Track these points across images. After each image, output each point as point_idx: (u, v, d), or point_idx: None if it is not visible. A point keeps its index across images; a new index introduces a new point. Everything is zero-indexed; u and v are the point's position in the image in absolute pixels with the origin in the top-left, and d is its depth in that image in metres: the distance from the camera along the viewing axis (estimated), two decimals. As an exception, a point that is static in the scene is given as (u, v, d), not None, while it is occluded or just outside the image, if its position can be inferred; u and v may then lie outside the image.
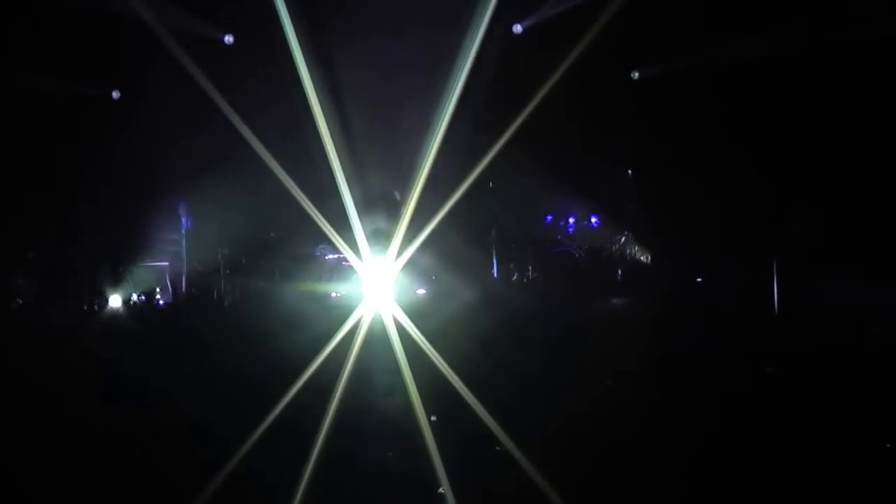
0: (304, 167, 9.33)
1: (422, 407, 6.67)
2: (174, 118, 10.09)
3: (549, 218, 12.73)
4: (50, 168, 10.27)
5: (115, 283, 11.46)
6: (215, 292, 11.88)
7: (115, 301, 11.33)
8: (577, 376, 7.84)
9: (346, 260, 9.87)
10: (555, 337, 8.92)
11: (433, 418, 6.56)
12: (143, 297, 11.80)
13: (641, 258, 12.19)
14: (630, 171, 11.89)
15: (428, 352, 7.72)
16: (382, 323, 8.56)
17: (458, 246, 10.62)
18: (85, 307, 11.24)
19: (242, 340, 8.85)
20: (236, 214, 10.87)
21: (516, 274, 12.22)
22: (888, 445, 5.98)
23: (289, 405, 6.86)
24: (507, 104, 9.47)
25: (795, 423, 6.34)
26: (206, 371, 7.90)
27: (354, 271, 9.93)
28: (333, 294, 11.23)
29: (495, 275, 12.04)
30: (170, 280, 11.92)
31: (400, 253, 9.49)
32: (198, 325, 10.17)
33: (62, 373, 7.90)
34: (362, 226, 9.26)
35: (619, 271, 12.31)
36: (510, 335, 8.66)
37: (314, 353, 7.62)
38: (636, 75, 10.55)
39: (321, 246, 11.37)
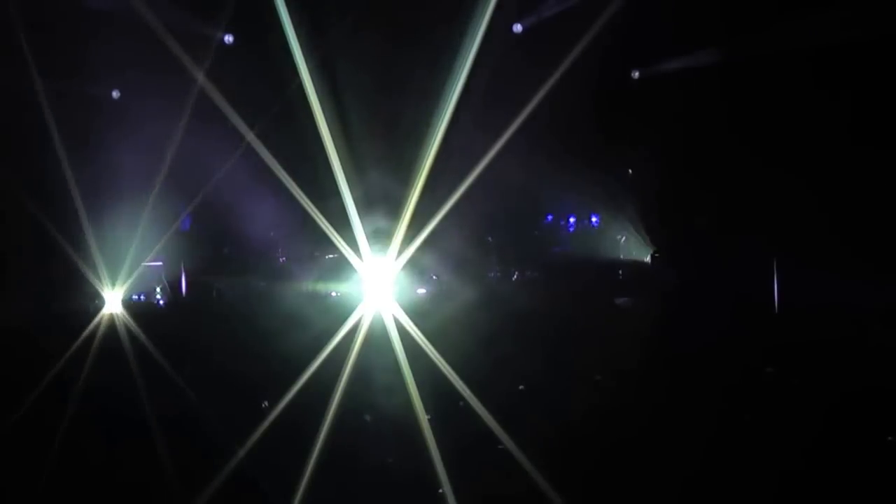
0: (304, 167, 9.33)
1: (422, 406, 6.68)
2: (175, 118, 10.09)
3: (550, 218, 12.72)
4: (49, 168, 10.26)
5: (115, 283, 11.44)
6: (215, 292, 11.87)
7: (114, 301, 11.31)
8: (578, 376, 7.84)
9: (346, 259, 9.85)
10: (555, 337, 8.92)
11: (432, 415, 6.58)
12: (142, 298, 11.79)
13: (642, 258, 12.18)
14: (630, 171, 11.87)
15: (428, 351, 7.72)
16: (383, 322, 8.56)
17: (458, 245, 10.62)
18: (84, 307, 11.22)
19: (242, 340, 8.85)
20: (237, 214, 10.87)
21: (516, 273, 12.21)
22: (890, 438, 6.00)
23: (289, 405, 6.87)
24: (508, 103, 9.46)
25: (795, 422, 6.34)
26: (206, 371, 7.89)
27: (354, 271, 9.91)
28: (333, 293, 11.22)
29: (495, 274, 12.03)
30: (170, 280, 11.90)
31: (400, 252, 9.49)
32: (197, 325, 10.17)
33: (61, 373, 7.89)
34: (363, 225, 9.26)
35: (620, 271, 12.29)
36: (510, 335, 8.66)
37: (315, 352, 7.62)
38: (636, 75, 10.55)
39: (322, 246, 11.35)
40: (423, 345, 7.86)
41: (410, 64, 9.82)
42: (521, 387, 7.68)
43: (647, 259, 12.13)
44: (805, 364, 7.70)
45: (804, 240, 9.30)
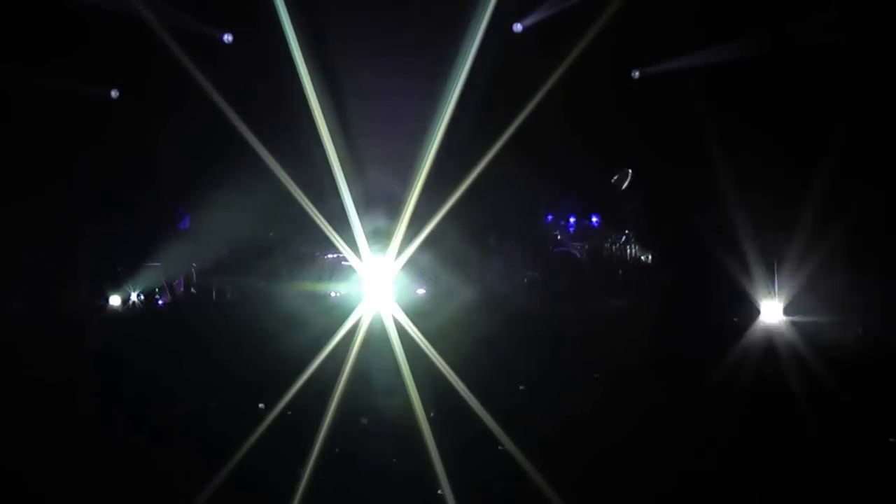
0: (303, 166, 9.32)
1: (422, 407, 6.68)
2: (173, 117, 10.07)
3: (550, 218, 12.71)
4: (49, 168, 10.25)
5: (115, 283, 11.43)
6: (214, 292, 11.85)
7: (114, 301, 11.31)
8: (577, 377, 7.84)
9: (345, 259, 9.83)
10: (554, 337, 8.91)
11: (432, 414, 6.58)
12: (142, 297, 11.78)
13: (642, 258, 12.17)
14: (630, 171, 11.86)
15: (428, 352, 7.72)
16: (382, 323, 8.55)
17: (458, 245, 10.60)
18: (84, 307, 11.22)
19: (241, 341, 8.83)
20: (236, 214, 10.84)
21: (516, 274, 12.19)
22: (891, 440, 6.00)
23: (288, 406, 6.86)
24: (508, 103, 9.45)
25: (795, 423, 6.34)
26: (206, 372, 7.89)
27: (354, 271, 9.90)
28: (332, 294, 11.21)
29: (495, 274, 12.01)
30: (169, 280, 11.89)
31: (400, 252, 9.48)
32: (197, 326, 10.15)
33: (62, 373, 7.88)
34: (362, 225, 9.25)
35: (620, 271, 12.28)
36: (510, 335, 8.65)
37: (314, 353, 7.61)
38: (636, 75, 10.53)
39: (322, 246, 11.33)
40: (422, 345, 7.85)
41: (411, 62, 9.80)
42: (521, 387, 7.68)
43: (648, 259, 12.13)
44: (804, 365, 7.69)
45: (805, 240, 9.30)
